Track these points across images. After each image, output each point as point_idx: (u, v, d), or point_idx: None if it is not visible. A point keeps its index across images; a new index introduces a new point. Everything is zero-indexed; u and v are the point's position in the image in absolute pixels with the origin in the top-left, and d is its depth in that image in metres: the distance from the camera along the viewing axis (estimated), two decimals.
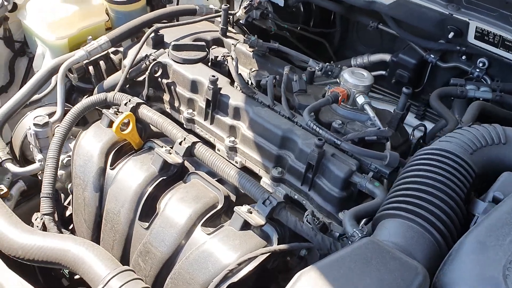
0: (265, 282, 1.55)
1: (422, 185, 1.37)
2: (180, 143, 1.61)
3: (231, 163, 1.68)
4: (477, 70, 2.18)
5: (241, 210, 1.47)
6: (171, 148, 1.66)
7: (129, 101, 1.73)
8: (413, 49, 2.37)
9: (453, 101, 2.16)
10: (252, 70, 1.98)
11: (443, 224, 1.29)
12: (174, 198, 1.55)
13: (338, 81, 1.91)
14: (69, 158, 1.81)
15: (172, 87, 1.91)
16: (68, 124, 1.70)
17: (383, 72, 2.48)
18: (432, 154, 1.47)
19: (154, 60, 1.91)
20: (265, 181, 1.70)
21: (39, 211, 1.72)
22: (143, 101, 1.75)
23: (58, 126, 1.83)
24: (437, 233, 1.27)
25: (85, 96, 2.18)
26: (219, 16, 2.17)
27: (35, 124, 1.74)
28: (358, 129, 1.70)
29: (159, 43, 1.99)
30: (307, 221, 1.51)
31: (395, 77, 2.42)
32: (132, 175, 1.62)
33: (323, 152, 1.55)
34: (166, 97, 1.95)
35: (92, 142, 1.71)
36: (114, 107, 1.77)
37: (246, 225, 1.47)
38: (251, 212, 1.47)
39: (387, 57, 2.46)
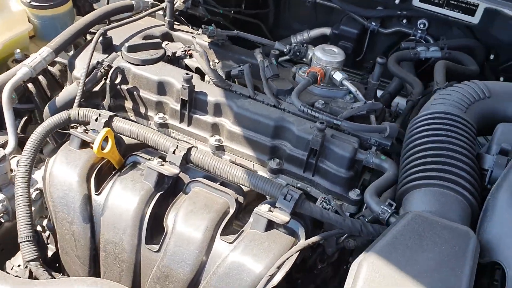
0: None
1: (438, 150, 1.39)
2: (174, 152, 1.47)
3: None
4: (419, 31, 2.27)
5: (262, 210, 1.39)
6: (160, 158, 1.51)
7: (99, 115, 1.54)
8: (353, 19, 2.40)
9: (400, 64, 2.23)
10: (216, 61, 1.86)
11: (471, 184, 1.32)
12: (182, 212, 1.42)
13: (305, 60, 1.88)
14: (38, 192, 1.58)
15: (135, 92, 1.74)
16: (31, 154, 1.47)
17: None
18: (433, 118, 1.50)
19: (109, 66, 1.71)
20: (262, 174, 1.62)
21: (9, 259, 1.49)
22: (114, 114, 1.57)
23: (16, 157, 1.59)
24: (468, 193, 1.30)
25: (24, 118, 1.93)
26: (161, 9, 2.01)
27: None
28: (342, 106, 1.68)
29: (108, 46, 1.80)
30: (323, 207, 1.47)
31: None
32: (126, 197, 1.45)
33: (325, 135, 1.51)
34: (129, 104, 1.77)
35: (67, 169, 1.50)
36: (81, 125, 1.57)
37: (269, 225, 1.40)
38: (271, 211, 1.39)
39: (327, 30, 2.47)
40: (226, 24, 2.53)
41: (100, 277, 1.49)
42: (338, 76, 1.74)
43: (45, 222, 1.60)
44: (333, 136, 1.55)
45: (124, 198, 1.46)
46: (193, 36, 1.88)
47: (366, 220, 1.45)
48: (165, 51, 1.80)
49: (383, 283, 1.10)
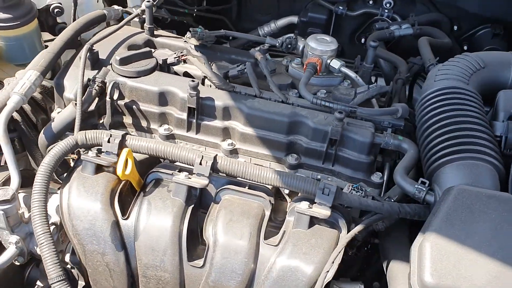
0: None
1: (458, 124, 1.46)
2: (200, 162, 1.42)
3: None
4: (386, 11, 2.35)
5: (303, 208, 1.38)
6: (182, 171, 1.45)
7: (111, 136, 1.45)
8: (319, 5, 2.43)
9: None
10: (209, 63, 1.81)
11: (496, 152, 1.40)
12: (221, 223, 1.38)
13: (296, 52, 1.88)
14: (53, 227, 1.47)
15: (134, 106, 1.66)
16: (44, 188, 1.35)
17: (292, 35, 2.50)
18: (443, 94, 1.56)
19: (102, 82, 1.62)
20: (278, 169, 1.60)
21: None
22: (126, 132, 1.48)
23: (23, 193, 1.47)
24: (496, 161, 1.37)
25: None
26: (137, 15, 1.92)
27: (2, 202, 1.36)
28: (345, 93, 1.70)
29: (96, 62, 1.69)
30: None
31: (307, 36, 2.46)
32: (160, 217, 1.39)
33: (344, 124, 1.53)
34: (128, 119, 1.69)
35: (87, 198, 1.40)
36: (92, 148, 1.47)
37: (311, 222, 1.40)
38: (311, 207, 1.39)
39: (294, 19, 2.49)
40: (191, 23, 2.47)
41: None
42: (335, 63, 1.76)
43: (67, 257, 1.49)
44: (348, 124, 1.57)
45: (157, 219, 1.39)
46: (185, 41, 1.81)
47: (393, 200, 1.50)
48: (156, 60, 1.73)
49: (451, 260, 1.14)
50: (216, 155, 1.46)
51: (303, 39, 1.84)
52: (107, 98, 1.59)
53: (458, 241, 1.18)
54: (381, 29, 2.19)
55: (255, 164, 1.52)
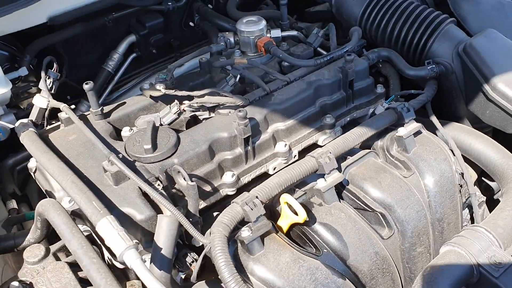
0: None
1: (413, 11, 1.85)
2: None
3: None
4: None
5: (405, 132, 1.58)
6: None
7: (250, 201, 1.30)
8: (149, 12, 2.34)
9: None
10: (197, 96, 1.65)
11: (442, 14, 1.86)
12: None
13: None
14: None
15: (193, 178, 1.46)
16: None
17: (134, 54, 2.37)
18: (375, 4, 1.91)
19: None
20: (323, 136, 1.71)
21: None
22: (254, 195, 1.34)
23: None
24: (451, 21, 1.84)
25: None
26: None
27: None
28: (303, 49, 1.87)
29: None
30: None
31: (152, 47, 2.38)
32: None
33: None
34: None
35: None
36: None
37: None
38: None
39: (132, 38, 2.34)
40: None
41: None
42: (277, 32, 1.87)
43: None
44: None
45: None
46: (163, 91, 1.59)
47: None
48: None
49: None
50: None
51: (237, 28, 1.85)
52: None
53: None
54: None
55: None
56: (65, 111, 1.56)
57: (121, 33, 2.30)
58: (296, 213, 1.32)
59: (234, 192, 1.53)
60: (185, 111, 1.58)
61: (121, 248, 1.15)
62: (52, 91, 1.70)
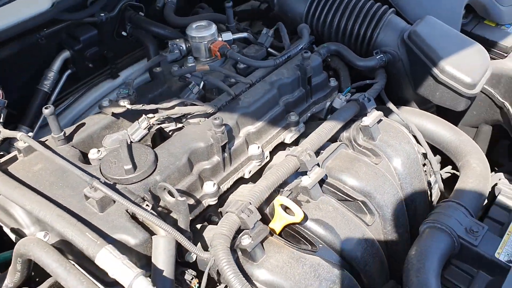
0: None
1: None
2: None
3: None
4: None
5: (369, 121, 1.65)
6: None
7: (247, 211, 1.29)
8: (81, 25, 2.22)
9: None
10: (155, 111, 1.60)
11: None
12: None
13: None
14: None
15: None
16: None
17: (69, 71, 2.24)
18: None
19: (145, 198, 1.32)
20: (290, 134, 1.74)
21: None
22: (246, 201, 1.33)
23: None
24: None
25: None
26: None
27: None
28: (256, 49, 1.88)
29: None
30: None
31: (87, 61, 2.26)
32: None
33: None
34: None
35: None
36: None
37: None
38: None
39: (66, 54, 2.21)
40: None
41: None
42: (227, 35, 1.86)
43: None
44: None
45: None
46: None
47: None
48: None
49: None
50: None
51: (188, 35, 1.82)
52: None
53: None
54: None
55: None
56: (24, 140, 1.44)
57: (54, 50, 2.16)
58: (290, 214, 1.34)
59: (216, 201, 1.51)
60: (154, 125, 1.53)
61: (130, 277, 1.09)
62: (1, 120, 1.56)
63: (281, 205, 1.34)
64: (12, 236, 1.50)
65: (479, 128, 2.06)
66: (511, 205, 1.59)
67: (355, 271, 1.44)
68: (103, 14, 2.24)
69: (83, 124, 1.58)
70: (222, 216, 1.52)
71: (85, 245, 1.15)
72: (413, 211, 1.65)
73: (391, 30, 1.90)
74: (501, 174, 1.80)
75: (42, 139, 1.53)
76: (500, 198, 1.63)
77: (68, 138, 1.51)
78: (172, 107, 1.50)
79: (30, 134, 1.49)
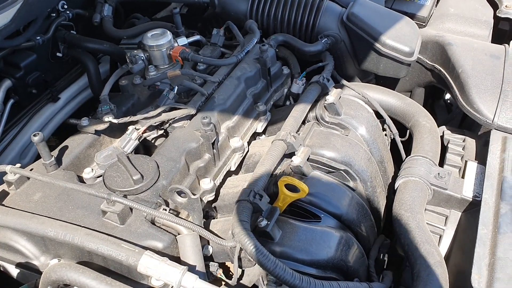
0: None
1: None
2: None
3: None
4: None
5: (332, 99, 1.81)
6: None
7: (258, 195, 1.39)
8: (17, 51, 2.15)
9: None
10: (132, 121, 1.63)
11: None
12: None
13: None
14: None
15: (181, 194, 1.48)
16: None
17: (12, 100, 2.17)
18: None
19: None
20: (260, 123, 1.86)
21: None
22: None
23: None
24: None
25: None
26: None
27: None
28: (211, 50, 1.97)
29: None
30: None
31: (30, 87, 2.20)
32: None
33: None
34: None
35: None
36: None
37: None
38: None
39: (7, 83, 2.13)
40: None
41: None
42: (182, 40, 1.93)
43: None
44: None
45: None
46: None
47: None
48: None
49: None
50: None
51: (144, 45, 1.85)
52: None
53: None
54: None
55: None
56: (15, 172, 1.41)
57: None
58: (294, 191, 1.45)
59: (213, 197, 1.58)
60: (142, 134, 1.56)
61: (178, 275, 1.15)
62: None
63: (285, 184, 1.45)
64: (14, 273, 1.47)
65: (413, 91, 2.32)
66: (461, 150, 1.83)
67: (353, 232, 1.59)
68: (39, 37, 2.18)
69: (66, 147, 1.57)
70: (216, 211, 1.62)
71: (124, 256, 1.18)
72: (383, 170, 1.85)
73: (330, 15, 2.07)
74: (443, 127, 2.05)
75: (27, 168, 1.50)
76: (451, 146, 1.87)
77: (58, 163, 1.50)
78: (159, 114, 1.55)
79: (18, 165, 1.46)
